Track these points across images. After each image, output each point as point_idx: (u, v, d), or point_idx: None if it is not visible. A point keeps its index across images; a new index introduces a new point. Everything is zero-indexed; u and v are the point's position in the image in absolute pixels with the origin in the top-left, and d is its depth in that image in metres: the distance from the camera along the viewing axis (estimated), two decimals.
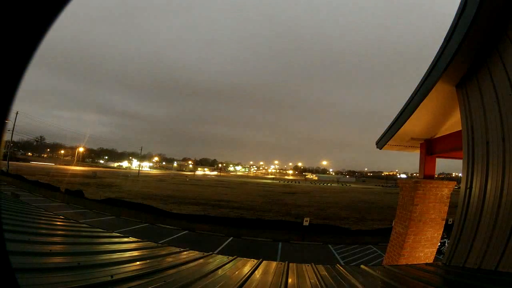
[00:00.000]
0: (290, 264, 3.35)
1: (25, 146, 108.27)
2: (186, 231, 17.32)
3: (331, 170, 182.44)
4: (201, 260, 3.23)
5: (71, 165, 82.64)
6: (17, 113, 46.90)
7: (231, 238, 16.50)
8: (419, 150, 6.01)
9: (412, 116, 4.67)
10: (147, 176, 71.56)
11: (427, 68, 3.98)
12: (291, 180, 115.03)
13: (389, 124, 5.72)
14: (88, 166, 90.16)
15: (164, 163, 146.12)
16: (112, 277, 1.87)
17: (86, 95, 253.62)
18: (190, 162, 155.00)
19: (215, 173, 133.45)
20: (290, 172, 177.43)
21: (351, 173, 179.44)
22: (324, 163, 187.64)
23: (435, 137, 5.60)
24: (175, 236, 16.03)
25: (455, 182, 6.52)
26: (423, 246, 5.28)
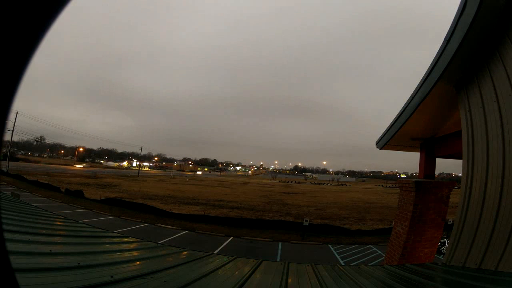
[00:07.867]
0: (290, 264, 3.35)
1: (25, 146, 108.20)
2: (186, 231, 17.31)
3: (331, 170, 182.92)
4: (201, 260, 3.23)
5: (71, 165, 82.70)
6: (17, 113, 46.93)
7: (231, 238, 16.49)
8: (419, 150, 6.00)
9: (412, 116, 4.66)
10: (147, 176, 71.53)
11: (426, 69, 3.98)
12: (291, 180, 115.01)
13: (389, 124, 5.71)
14: (88, 166, 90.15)
15: (164, 163, 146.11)
16: (112, 277, 1.87)
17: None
18: (190, 162, 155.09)
19: (213, 173, 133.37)
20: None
21: (351, 173, 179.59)
22: (324, 163, 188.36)
23: (435, 137, 5.59)
24: (175, 236, 16.02)
25: (455, 182, 6.51)
26: (423, 246, 5.27)
